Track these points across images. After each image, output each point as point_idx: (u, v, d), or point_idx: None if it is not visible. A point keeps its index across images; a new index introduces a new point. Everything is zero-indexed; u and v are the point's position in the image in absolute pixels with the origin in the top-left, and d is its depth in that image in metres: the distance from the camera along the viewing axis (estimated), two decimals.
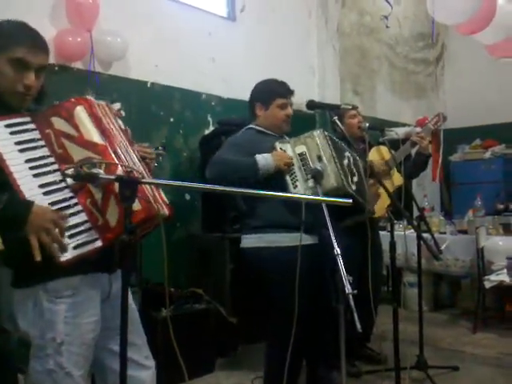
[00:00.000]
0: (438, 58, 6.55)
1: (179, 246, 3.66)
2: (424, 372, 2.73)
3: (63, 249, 1.26)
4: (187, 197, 3.78)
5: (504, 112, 5.66)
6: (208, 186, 1.50)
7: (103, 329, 1.47)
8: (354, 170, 2.34)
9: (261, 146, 2.26)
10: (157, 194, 1.44)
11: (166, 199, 1.49)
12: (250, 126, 2.43)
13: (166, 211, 1.44)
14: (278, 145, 2.25)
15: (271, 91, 2.38)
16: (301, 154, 2.21)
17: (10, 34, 1.38)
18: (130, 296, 1.60)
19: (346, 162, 2.30)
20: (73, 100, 1.41)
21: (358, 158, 2.41)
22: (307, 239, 2.21)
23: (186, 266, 3.62)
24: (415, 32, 6.13)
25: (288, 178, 2.20)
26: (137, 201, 1.29)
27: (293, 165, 2.20)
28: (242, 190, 1.97)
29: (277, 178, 2.20)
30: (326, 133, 2.25)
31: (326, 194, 2.11)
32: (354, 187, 2.24)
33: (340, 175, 2.16)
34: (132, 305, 1.60)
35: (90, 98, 1.44)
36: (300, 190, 2.17)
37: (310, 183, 2.15)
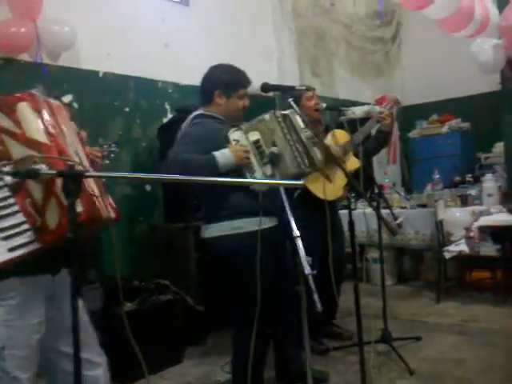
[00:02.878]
0: (394, 35, 6.62)
1: (143, 238, 3.62)
2: (389, 344, 2.82)
3: None
4: (148, 188, 3.72)
5: (459, 86, 5.79)
6: (158, 176, 1.48)
7: (50, 329, 1.43)
8: (301, 136, 2.22)
9: (217, 136, 2.21)
10: (104, 198, 1.42)
11: (113, 203, 1.46)
12: (199, 112, 2.35)
13: (112, 214, 1.41)
14: (231, 136, 2.20)
15: (235, 80, 2.31)
16: (255, 142, 2.18)
17: None
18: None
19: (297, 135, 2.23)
20: (17, 95, 1.34)
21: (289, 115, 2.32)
22: (267, 222, 2.21)
23: (150, 258, 3.59)
24: (371, 11, 6.16)
25: (245, 168, 2.18)
26: (80, 203, 1.25)
27: (249, 156, 2.17)
28: (201, 179, 1.95)
29: (234, 168, 2.17)
30: (278, 113, 2.20)
31: (284, 178, 2.12)
32: (307, 161, 2.20)
33: (296, 158, 2.15)
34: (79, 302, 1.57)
35: (37, 94, 1.37)
36: (257, 177, 2.17)
37: (268, 170, 2.15)
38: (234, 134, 2.21)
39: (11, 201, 1.28)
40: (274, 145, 2.14)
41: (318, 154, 2.25)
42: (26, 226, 1.28)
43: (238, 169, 2.17)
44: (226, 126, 2.28)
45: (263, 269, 2.08)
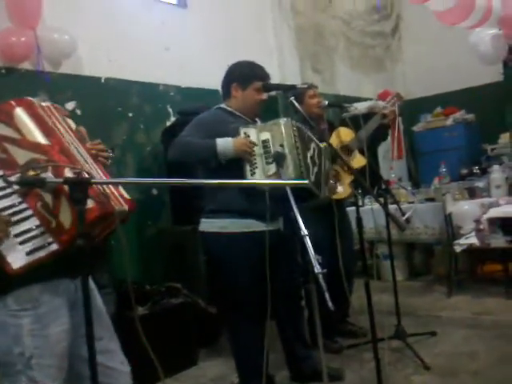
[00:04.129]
0: (394, 29, 6.58)
1: (152, 242, 3.62)
2: (403, 341, 2.79)
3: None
4: (154, 192, 3.71)
5: (462, 78, 5.74)
6: (162, 181, 1.47)
7: (75, 337, 1.42)
8: (317, 161, 2.32)
9: (227, 128, 2.25)
10: (114, 190, 1.39)
11: (125, 194, 1.43)
12: (221, 105, 2.41)
13: (124, 206, 1.39)
14: (242, 129, 2.24)
15: (251, 73, 2.36)
16: (264, 141, 2.20)
17: None
18: (101, 301, 1.57)
19: (310, 152, 2.28)
20: (12, 102, 1.35)
21: (320, 146, 2.37)
22: (259, 226, 2.22)
23: (160, 261, 3.58)
24: (369, 5, 6.14)
25: (247, 165, 2.19)
26: (90, 199, 1.24)
27: (254, 153, 2.19)
28: (202, 181, 1.96)
29: (236, 162, 2.20)
30: (295, 122, 2.24)
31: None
32: (313, 178, 2.23)
33: (299, 167, 2.16)
34: (103, 309, 1.56)
35: (31, 98, 1.39)
36: (257, 178, 2.18)
37: (270, 170, 2.15)
38: (247, 129, 2.24)
39: (23, 206, 1.27)
40: (282, 148, 2.16)
41: (326, 189, 2.33)
42: (41, 229, 1.27)
43: (239, 163, 2.20)
44: (239, 120, 2.34)
45: (238, 273, 2.24)
